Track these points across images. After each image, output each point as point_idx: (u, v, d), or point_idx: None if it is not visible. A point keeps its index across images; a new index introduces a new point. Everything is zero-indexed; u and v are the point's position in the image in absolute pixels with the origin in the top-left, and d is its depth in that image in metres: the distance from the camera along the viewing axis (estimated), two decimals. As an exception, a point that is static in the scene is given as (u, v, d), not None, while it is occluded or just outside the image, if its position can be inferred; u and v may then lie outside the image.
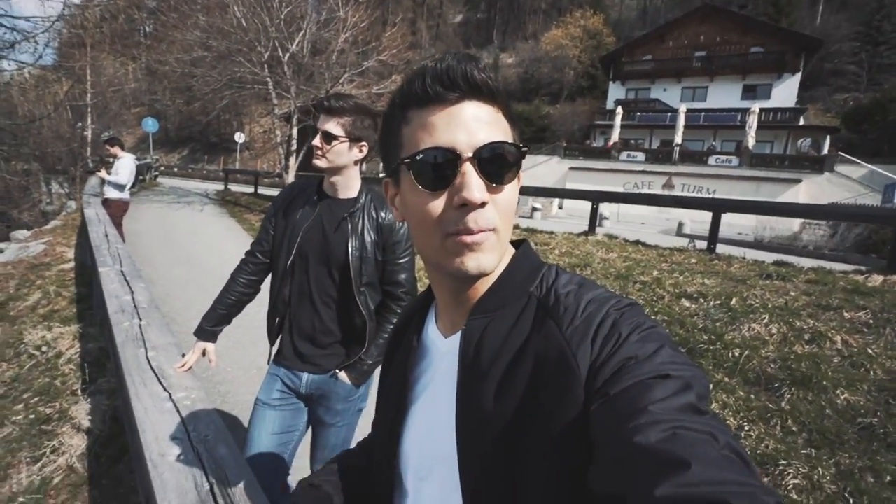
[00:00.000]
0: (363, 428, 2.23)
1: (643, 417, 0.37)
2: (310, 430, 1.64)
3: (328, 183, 1.51)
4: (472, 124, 0.50)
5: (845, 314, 3.87)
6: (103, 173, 6.32)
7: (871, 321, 3.74)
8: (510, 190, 0.52)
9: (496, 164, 0.50)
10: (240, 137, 29.15)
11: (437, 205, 0.51)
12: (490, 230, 0.50)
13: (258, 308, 1.72)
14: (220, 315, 1.61)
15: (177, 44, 12.49)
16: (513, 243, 0.61)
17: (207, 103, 14.39)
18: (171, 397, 1.43)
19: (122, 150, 6.35)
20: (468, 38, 56.65)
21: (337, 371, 1.52)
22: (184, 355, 1.66)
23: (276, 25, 10.94)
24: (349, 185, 1.51)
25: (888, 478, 2.47)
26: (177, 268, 6.60)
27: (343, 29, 11.50)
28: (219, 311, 1.61)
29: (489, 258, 0.51)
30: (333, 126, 1.41)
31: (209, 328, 1.61)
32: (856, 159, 22.60)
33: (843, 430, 2.82)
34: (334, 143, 1.40)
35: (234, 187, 19.69)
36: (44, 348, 3.62)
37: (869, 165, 22.23)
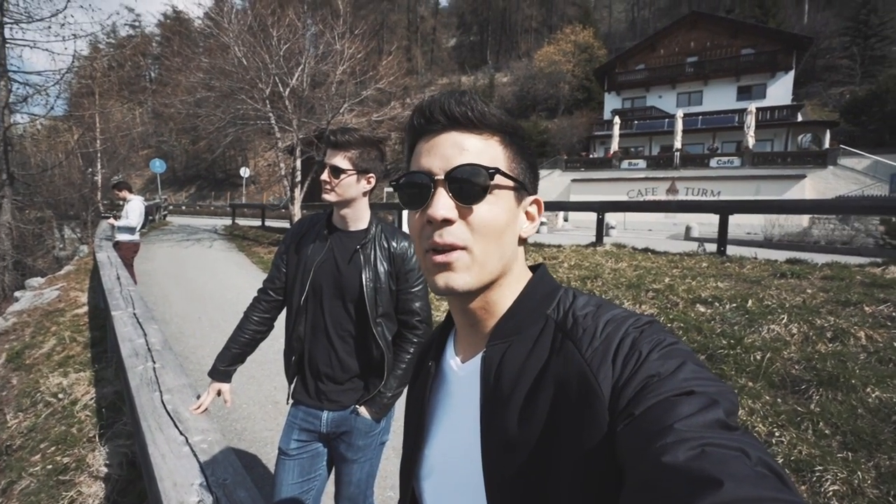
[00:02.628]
0: (387, 461, 2.18)
1: (670, 436, 0.36)
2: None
3: (338, 216, 1.52)
4: (450, 151, 0.54)
5: (866, 309, 3.78)
6: (113, 220, 6.46)
7: (893, 314, 3.64)
8: (487, 210, 0.53)
9: (465, 185, 0.53)
10: (245, 172, 29.71)
11: (418, 223, 0.55)
12: (459, 248, 0.52)
13: (271, 342, 1.72)
14: (235, 354, 1.61)
15: (181, 86, 12.87)
16: (530, 268, 0.62)
17: (212, 141, 14.74)
18: (187, 441, 1.41)
19: (131, 192, 6.50)
20: (463, 61, 57.88)
21: (357, 406, 1.50)
22: (199, 396, 1.65)
23: (276, 62, 11.28)
24: (359, 217, 1.52)
25: (932, 479, 2.36)
26: (189, 305, 6.65)
27: (340, 61, 11.81)
28: (233, 350, 1.60)
29: (460, 277, 0.53)
30: (341, 160, 1.42)
31: (223, 368, 1.60)
32: (858, 151, 22.48)
33: (878, 429, 2.72)
34: (343, 176, 1.42)
35: (241, 221, 20.00)
36: (60, 395, 3.63)
37: (872, 156, 22.08)
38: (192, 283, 8.19)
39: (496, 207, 0.54)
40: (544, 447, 0.47)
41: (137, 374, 1.98)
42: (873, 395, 2.91)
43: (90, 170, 18.77)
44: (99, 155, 18.88)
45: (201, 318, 5.94)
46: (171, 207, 26.82)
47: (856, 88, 28.40)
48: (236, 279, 8.74)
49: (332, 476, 1.61)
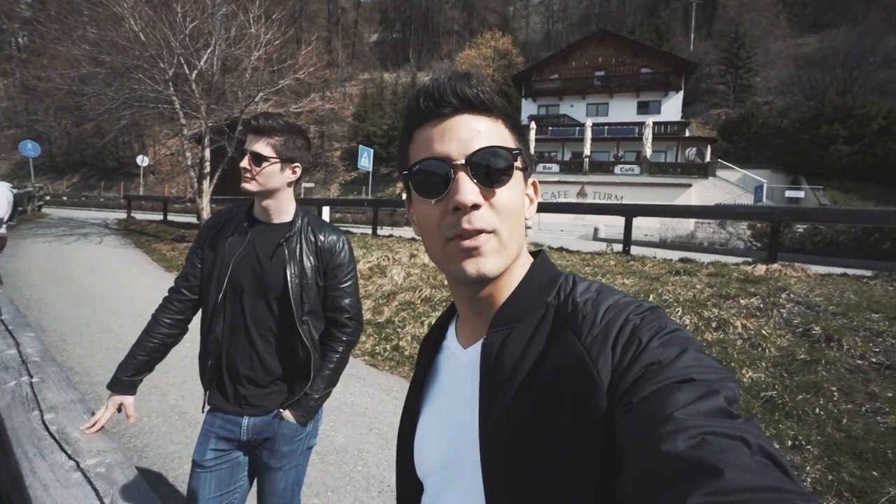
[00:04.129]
0: (311, 466, 2.06)
1: (669, 425, 0.36)
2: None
3: (260, 207, 1.41)
4: (466, 134, 0.52)
5: (741, 301, 4.38)
6: None
7: (761, 305, 4.26)
8: (508, 192, 0.53)
9: (488, 169, 0.52)
10: (143, 161, 26.64)
11: (437, 212, 0.53)
12: (488, 231, 0.51)
13: (177, 345, 1.56)
14: (141, 362, 1.42)
15: (61, 58, 11.11)
16: (531, 254, 0.62)
17: (102, 124, 12.93)
18: (78, 466, 1.22)
19: (-5, 178, 5.50)
20: (384, 57, 57.19)
21: (281, 410, 1.41)
22: (93, 413, 1.44)
23: (181, 41, 10.21)
24: (283, 209, 1.43)
25: (789, 442, 2.81)
26: (73, 308, 5.80)
27: (256, 46, 11.03)
28: (139, 357, 1.41)
29: (490, 262, 0.52)
30: (263, 146, 1.33)
31: (127, 378, 1.41)
32: (731, 165, 26.19)
33: (751, 405, 3.17)
34: (265, 164, 1.33)
35: (139, 215, 17.90)
36: None
37: (742, 170, 25.87)
38: (76, 284, 7.15)
39: (515, 189, 0.54)
40: (543, 434, 0.47)
41: (8, 391, 1.68)
42: (747, 376, 3.39)
43: (-66, 150, 15.57)
44: (-53, 132, 15.73)
45: (89, 324, 5.21)
46: (48, 198, 23.17)
47: (730, 111, 32.89)
48: (133, 278, 7.80)
49: (255, 486, 1.50)
